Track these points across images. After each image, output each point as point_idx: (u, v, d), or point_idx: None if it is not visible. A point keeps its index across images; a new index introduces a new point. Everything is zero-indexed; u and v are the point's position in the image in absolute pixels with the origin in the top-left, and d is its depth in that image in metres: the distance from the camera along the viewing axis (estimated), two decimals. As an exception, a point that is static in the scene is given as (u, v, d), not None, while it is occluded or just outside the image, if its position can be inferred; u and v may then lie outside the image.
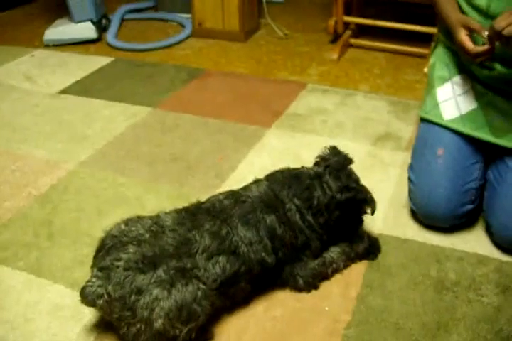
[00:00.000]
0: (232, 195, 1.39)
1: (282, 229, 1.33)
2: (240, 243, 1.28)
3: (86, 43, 3.10)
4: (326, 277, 1.46)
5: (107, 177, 1.90)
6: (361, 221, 1.53)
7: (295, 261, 1.39)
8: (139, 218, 1.32)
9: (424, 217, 1.66)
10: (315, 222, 1.38)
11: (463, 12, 1.53)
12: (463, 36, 1.39)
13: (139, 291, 1.16)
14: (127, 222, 1.30)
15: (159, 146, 2.10)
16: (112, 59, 2.90)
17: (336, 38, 3.11)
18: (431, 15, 2.87)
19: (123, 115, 2.33)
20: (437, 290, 1.45)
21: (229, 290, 1.29)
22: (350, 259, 1.52)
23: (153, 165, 1.98)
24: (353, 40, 3.07)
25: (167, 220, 1.30)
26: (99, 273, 1.20)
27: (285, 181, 1.39)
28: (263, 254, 1.31)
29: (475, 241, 1.62)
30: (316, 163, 1.48)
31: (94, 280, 1.19)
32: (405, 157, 2.00)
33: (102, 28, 3.19)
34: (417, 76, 2.73)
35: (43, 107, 2.39)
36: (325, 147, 1.49)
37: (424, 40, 2.90)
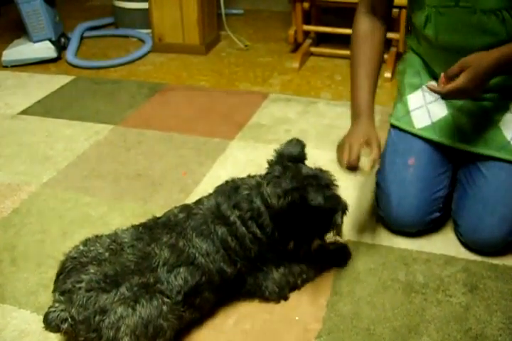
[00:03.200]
0: (185, 208, 1.38)
1: (234, 242, 1.30)
2: (196, 254, 1.27)
3: (46, 63, 3.07)
4: (295, 287, 1.46)
5: (71, 198, 1.87)
6: (331, 225, 1.41)
7: (257, 271, 1.38)
8: (97, 237, 1.31)
9: (391, 223, 1.66)
10: (262, 232, 1.31)
11: (418, 38, 1.57)
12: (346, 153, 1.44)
13: (103, 311, 1.14)
14: (86, 242, 1.29)
15: (123, 164, 2.08)
16: (73, 77, 2.88)
17: (296, 47, 3.13)
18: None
19: (85, 134, 2.30)
20: (406, 294, 1.46)
21: (194, 301, 1.27)
22: (320, 268, 1.51)
23: (117, 183, 1.96)
24: (313, 49, 3.10)
25: (125, 237, 1.29)
26: (61, 297, 1.18)
27: (226, 193, 1.36)
28: (222, 264, 1.29)
29: (441, 243, 1.64)
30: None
31: (56, 305, 1.17)
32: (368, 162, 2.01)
33: (61, 47, 3.16)
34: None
35: (2, 129, 2.36)
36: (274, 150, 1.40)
37: (382, 45, 2.93)
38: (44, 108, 2.55)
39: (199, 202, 1.40)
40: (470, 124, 1.56)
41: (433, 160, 1.62)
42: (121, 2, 3.36)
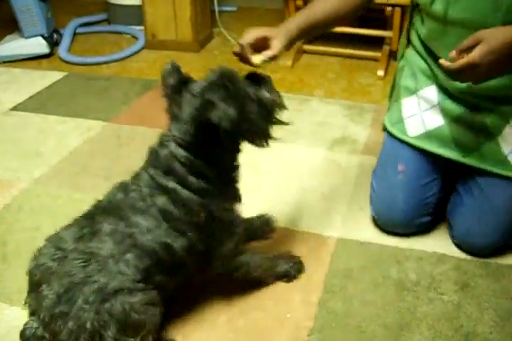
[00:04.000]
0: (123, 186, 1.28)
1: (177, 209, 1.20)
2: (137, 234, 1.19)
3: (38, 58, 3.05)
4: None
5: (63, 194, 1.87)
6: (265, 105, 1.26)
7: (212, 242, 1.28)
8: (44, 247, 1.22)
9: (382, 224, 1.67)
10: (206, 181, 1.21)
11: (422, 20, 1.48)
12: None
13: (74, 333, 1.11)
14: (34, 256, 1.22)
15: (115, 160, 2.07)
16: (65, 74, 2.86)
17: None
18: (382, 19, 2.94)
19: (77, 130, 2.29)
20: (398, 291, 1.46)
21: (154, 281, 1.21)
22: (267, 275, 1.46)
23: (109, 179, 1.94)
24: (306, 46, 3.10)
25: (67, 239, 1.20)
26: (33, 317, 1.15)
27: (152, 163, 1.24)
28: (166, 239, 1.20)
29: (434, 241, 1.64)
30: None
31: (31, 322, 1.15)
32: (362, 160, 2.02)
33: (53, 43, 3.14)
34: (370, 79, 2.76)
35: (-6, 125, 2.35)
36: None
37: (376, 43, 2.94)
38: (36, 104, 2.53)
39: (137, 176, 1.27)
40: (466, 136, 1.50)
41: (423, 169, 1.59)
42: (115, -2, 3.35)
